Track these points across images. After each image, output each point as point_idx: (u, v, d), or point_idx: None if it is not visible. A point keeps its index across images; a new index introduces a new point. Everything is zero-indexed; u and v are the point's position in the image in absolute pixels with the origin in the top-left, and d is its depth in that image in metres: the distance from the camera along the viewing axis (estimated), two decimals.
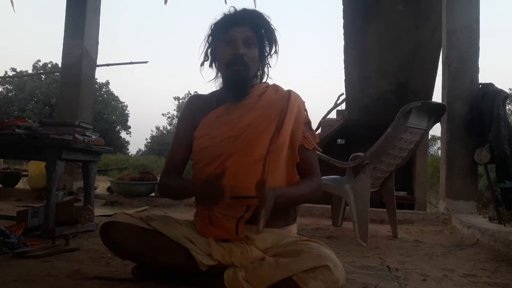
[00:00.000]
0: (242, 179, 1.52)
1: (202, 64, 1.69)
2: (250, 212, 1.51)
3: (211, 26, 1.65)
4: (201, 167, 1.62)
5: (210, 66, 1.69)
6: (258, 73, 1.70)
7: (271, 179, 1.55)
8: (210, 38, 1.67)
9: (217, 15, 1.65)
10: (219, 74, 1.69)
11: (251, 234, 1.52)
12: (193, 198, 1.56)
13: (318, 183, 1.64)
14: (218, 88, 1.73)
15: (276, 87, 1.72)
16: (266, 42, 1.66)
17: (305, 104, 1.71)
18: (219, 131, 1.59)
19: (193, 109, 1.71)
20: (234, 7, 1.64)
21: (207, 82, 1.71)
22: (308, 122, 1.70)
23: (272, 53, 1.69)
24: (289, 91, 1.69)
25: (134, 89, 70.51)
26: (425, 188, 6.97)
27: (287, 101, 1.63)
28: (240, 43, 1.57)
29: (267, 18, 1.64)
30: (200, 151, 1.61)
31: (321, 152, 2.02)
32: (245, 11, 1.62)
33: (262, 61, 1.69)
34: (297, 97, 1.68)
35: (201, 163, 1.62)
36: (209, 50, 1.68)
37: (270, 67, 1.72)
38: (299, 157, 1.61)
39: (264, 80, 1.73)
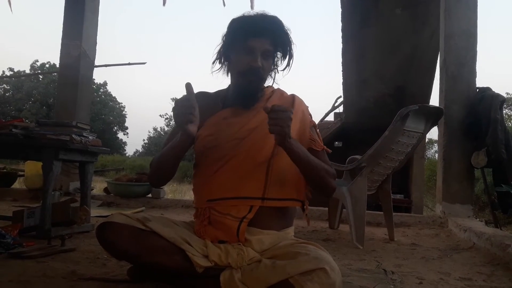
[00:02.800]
0: (246, 181, 1.54)
1: (214, 62, 1.68)
2: (252, 213, 1.52)
3: (230, 27, 1.63)
4: (204, 167, 1.62)
5: (220, 63, 1.67)
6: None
7: (277, 181, 1.56)
8: (226, 39, 1.64)
9: (236, 15, 1.63)
10: (229, 76, 1.68)
11: (249, 235, 1.53)
12: (192, 198, 1.55)
13: (332, 171, 1.62)
14: (224, 88, 1.73)
15: (281, 92, 1.73)
16: (280, 50, 1.65)
17: (308, 108, 1.72)
18: (224, 133, 1.59)
19: (199, 106, 1.70)
20: (254, 11, 1.62)
21: (213, 72, 1.69)
22: (314, 125, 1.71)
23: (285, 66, 1.69)
24: (293, 96, 1.71)
25: (132, 90, 70.45)
26: (422, 191, 6.98)
27: (291, 106, 1.65)
28: (259, 55, 1.56)
29: (287, 31, 1.62)
30: (203, 151, 1.61)
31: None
32: (266, 21, 1.59)
33: (273, 69, 1.69)
34: (301, 102, 1.71)
35: (204, 163, 1.62)
36: (222, 51, 1.66)
37: (278, 72, 1.71)
38: None
39: (269, 84, 1.72)
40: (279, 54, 1.67)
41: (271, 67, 1.66)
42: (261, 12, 1.62)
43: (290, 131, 1.40)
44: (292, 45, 1.66)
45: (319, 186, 1.61)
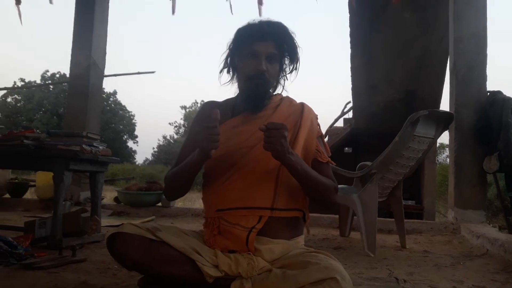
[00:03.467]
0: (255, 190, 1.54)
1: (221, 71, 1.70)
2: (262, 223, 1.52)
3: (235, 35, 1.65)
4: (213, 176, 1.62)
5: (228, 72, 1.69)
6: (274, 83, 1.70)
7: (285, 190, 1.57)
8: (233, 46, 1.66)
9: (241, 23, 1.65)
10: (237, 83, 1.69)
11: (259, 245, 1.52)
12: (202, 206, 1.55)
13: (334, 185, 1.64)
14: (232, 96, 1.74)
15: (289, 100, 1.73)
16: (287, 55, 1.67)
17: (318, 117, 1.72)
18: (234, 141, 1.60)
19: (208, 115, 1.71)
20: (259, 19, 1.63)
21: (222, 85, 1.71)
22: (321, 136, 1.71)
23: (292, 69, 1.70)
24: (302, 104, 1.71)
25: (141, 99, 70.80)
26: (434, 197, 6.92)
27: (300, 115, 1.66)
28: (263, 59, 1.58)
29: (292, 34, 1.64)
30: (213, 160, 1.61)
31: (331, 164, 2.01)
32: (270, 25, 1.61)
33: (280, 74, 1.69)
34: (310, 110, 1.70)
35: (213, 172, 1.62)
36: (228, 59, 1.68)
37: (287, 79, 1.72)
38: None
39: (278, 91, 1.72)
40: (286, 61, 1.68)
41: (278, 72, 1.66)
42: (266, 19, 1.64)
43: (285, 147, 1.42)
44: (298, 48, 1.66)
45: (317, 199, 1.63)
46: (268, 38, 1.58)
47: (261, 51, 1.58)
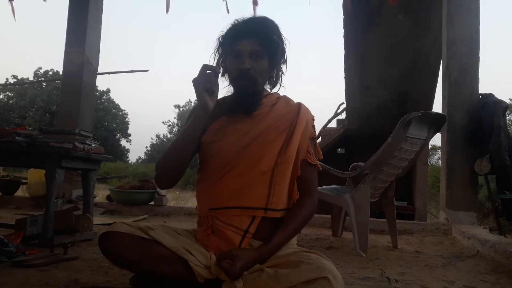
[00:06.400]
0: (248, 190, 1.53)
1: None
2: (254, 225, 1.52)
3: (219, 37, 1.63)
4: (207, 174, 1.62)
5: (223, 75, 1.67)
6: (270, 81, 1.68)
7: (280, 191, 1.56)
8: (220, 48, 1.65)
9: (226, 24, 1.63)
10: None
11: (251, 246, 1.53)
12: (195, 205, 1.54)
13: (311, 208, 1.61)
14: (229, 94, 1.72)
15: (286, 99, 1.72)
16: (270, 47, 1.61)
17: (314, 118, 1.71)
18: (227, 140, 1.59)
19: None
20: (241, 17, 1.61)
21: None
22: (313, 138, 1.69)
23: (281, 62, 1.66)
24: (299, 104, 1.69)
25: (135, 97, 70.66)
26: (426, 198, 6.95)
27: (297, 115, 1.64)
28: (246, 57, 1.55)
29: (275, 27, 1.61)
30: (207, 158, 1.61)
31: (322, 163, 2.01)
32: (251, 22, 1.59)
33: (272, 70, 1.65)
34: (307, 111, 1.68)
35: (207, 170, 1.61)
36: (220, 61, 1.66)
37: (284, 74, 1.68)
38: (300, 171, 1.61)
39: (276, 88, 1.70)
40: (276, 55, 1.63)
41: (267, 68, 1.61)
42: (249, 16, 1.62)
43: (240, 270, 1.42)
44: (284, 41, 1.63)
45: None
46: (248, 35, 1.56)
47: (243, 49, 1.55)
